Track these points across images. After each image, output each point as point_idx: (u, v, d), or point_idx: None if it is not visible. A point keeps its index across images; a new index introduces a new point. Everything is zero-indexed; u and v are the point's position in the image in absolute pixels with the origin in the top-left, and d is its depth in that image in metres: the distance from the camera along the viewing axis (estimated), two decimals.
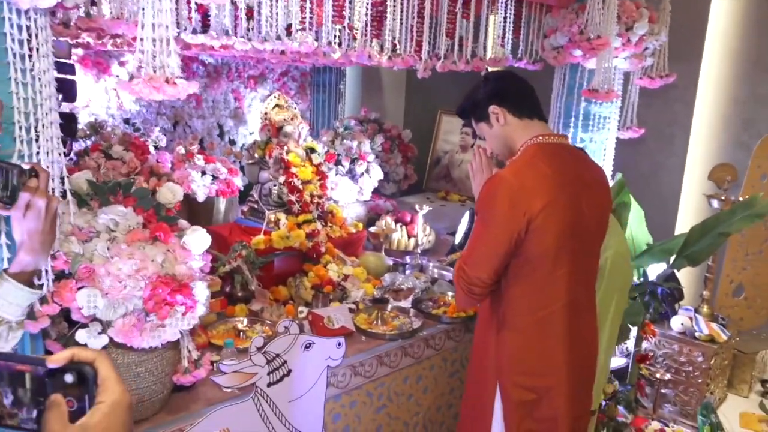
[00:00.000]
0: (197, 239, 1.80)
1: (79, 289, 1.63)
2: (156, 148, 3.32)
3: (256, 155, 3.08)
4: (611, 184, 3.44)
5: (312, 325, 2.49)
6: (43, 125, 1.50)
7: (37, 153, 1.51)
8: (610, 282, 2.26)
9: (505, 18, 3.09)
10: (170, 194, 1.86)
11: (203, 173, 3.39)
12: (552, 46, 3.29)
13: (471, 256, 1.82)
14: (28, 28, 1.44)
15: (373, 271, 3.11)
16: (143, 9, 1.51)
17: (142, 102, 3.88)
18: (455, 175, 5.06)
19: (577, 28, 3.03)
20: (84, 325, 1.69)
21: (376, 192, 4.14)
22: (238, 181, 3.52)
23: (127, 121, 3.83)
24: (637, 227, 3.29)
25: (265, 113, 3.04)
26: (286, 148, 2.96)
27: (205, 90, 4.19)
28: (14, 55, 1.42)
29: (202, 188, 3.27)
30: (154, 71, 1.51)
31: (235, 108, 4.39)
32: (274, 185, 3.00)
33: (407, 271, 3.17)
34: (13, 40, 1.41)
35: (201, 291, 1.83)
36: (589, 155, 2.03)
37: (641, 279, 3.24)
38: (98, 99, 3.68)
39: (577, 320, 1.90)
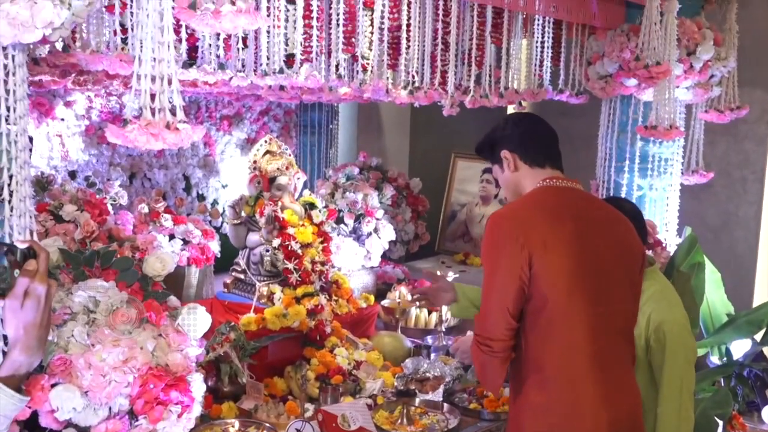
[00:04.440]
0: (196, 320, 1.82)
1: (52, 386, 1.63)
2: (114, 206, 3.35)
3: (243, 213, 3.13)
4: (679, 240, 3.54)
5: (323, 427, 2.48)
6: (17, 182, 1.54)
7: (10, 216, 1.54)
8: (673, 359, 2.34)
9: (542, 42, 3.23)
10: (159, 264, 1.90)
11: (171, 237, 3.42)
12: (598, 75, 3.43)
13: (484, 308, 2.05)
14: (5, 66, 1.50)
15: (389, 355, 3.12)
16: (141, 42, 1.58)
17: (91, 151, 3.94)
18: (476, 233, 5.14)
19: (630, 54, 3.17)
20: None
21: (383, 256, 4.18)
22: (215, 246, 3.55)
23: (72, 174, 3.88)
24: (714, 293, 3.36)
25: (255, 162, 3.11)
26: (280, 203, 3.01)
27: None
28: None
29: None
30: (153, 115, 1.57)
31: (205, 155, 4.47)
32: (267, 250, 3.04)
33: (432, 355, 3.18)
34: None
35: (198, 386, 1.84)
36: (601, 199, 2.25)
37: (724, 359, 3.28)
38: (39, 147, 3.73)
39: (607, 375, 2.03)
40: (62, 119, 3.81)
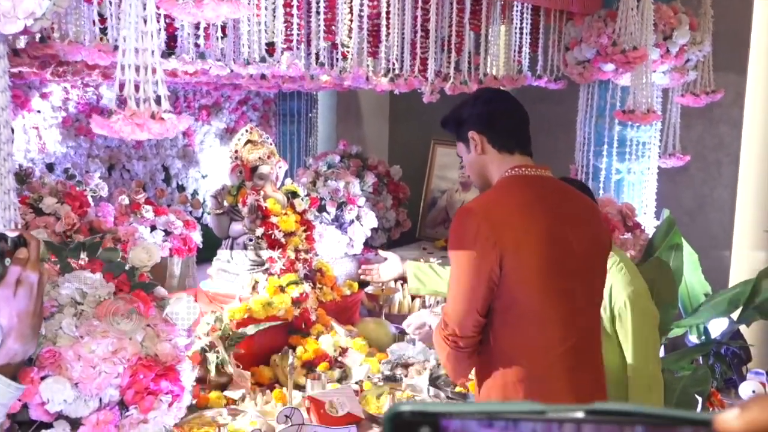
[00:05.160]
0: (184, 310, 1.82)
1: (42, 378, 1.63)
2: (94, 198, 3.33)
3: (225, 203, 3.12)
4: (657, 222, 3.59)
5: (311, 414, 2.50)
6: (1, 175, 1.53)
7: None
8: (637, 326, 2.42)
9: (521, 28, 3.25)
10: (145, 255, 1.90)
11: (153, 228, 3.40)
12: (576, 61, 3.46)
13: (451, 305, 1.96)
14: None
15: (374, 341, 3.14)
16: (124, 31, 1.57)
17: (69, 143, 3.90)
18: None
19: (607, 39, 3.20)
20: (46, 425, 1.68)
21: (365, 244, 4.19)
22: (197, 237, 3.54)
23: (50, 166, 3.84)
24: (691, 274, 3.41)
25: (236, 151, 3.10)
26: (262, 193, 3.01)
27: None
28: None
29: None
30: (137, 105, 1.57)
31: (184, 146, 4.44)
32: (250, 239, 3.03)
33: (416, 341, 3.20)
34: None
35: (188, 375, 1.84)
36: (574, 188, 2.18)
37: (702, 338, 3.34)
38: (16, 140, 3.69)
39: (579, 375, 1.99)
40: (38, 111, 3.77)
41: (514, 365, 1.96)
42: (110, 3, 2.03)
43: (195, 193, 4.49)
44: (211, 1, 1.67)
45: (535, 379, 1.96)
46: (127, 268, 1.89)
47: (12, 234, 1.21)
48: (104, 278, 1.82)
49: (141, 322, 1.78)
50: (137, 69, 1.58)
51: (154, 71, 1.60)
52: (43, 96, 3.76)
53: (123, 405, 1.73)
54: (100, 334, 1.69)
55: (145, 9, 1.59)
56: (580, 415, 0.41)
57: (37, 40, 1.87)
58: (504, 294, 1.90)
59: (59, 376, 1.64)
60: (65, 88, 3.86)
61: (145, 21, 1.58)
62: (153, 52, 1.60)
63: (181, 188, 4.44)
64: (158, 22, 2.12)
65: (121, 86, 1.59)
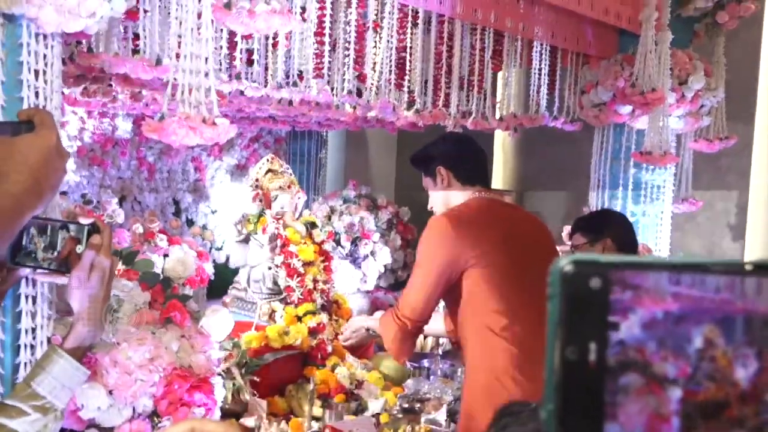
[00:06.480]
0: (219, 322, 1.80)
1: None
2: (110, 225, 3.32)
3: (245, 230, 3.11)
4: None
5: None
6: None
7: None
8: None
9: (539, 69, 3.31)
10: (180, 267, 1.89)
11: (166, 257, 3.39)
12: (592, 103, 3.51)
13: (413, 294, 2.21)
14: (45, 57, 1.50)
15: (389, 376, 3.10)
16: (180, 38, 1.59)
17: (83, 172, 3.91)
18: None
19: (624, 82, 3.26)
20: None
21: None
22: (209, 268, 3.52)
23: (64, 194, 3.83)
24: None
25: (256, 180, 3.11)
26: (282, 221, 3.01)
27: (160, 158, 4.26)
28: (29, 87, 1.47)
29: None
30: (190, 109, 1.58)
31: (195, 180, 4.45)
32: (269, 268, 3.02)
33: (431, 377, 3.17)
34: (29, 70, 1.46)
35: (220, 389, 1.81)
36: (522, 208, 2.45)
37: None
38: None
39: (527, 366, 2.13)
40: None
41: (477, 346, 2.20)
42: (147, 23, 2.05)
43: (204, 227, 4.48)
44: (263, 12, 1.70)
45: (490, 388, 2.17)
46: (162, 279, 1.87)
47: (86, 221, 1.21)
48: (140, 287, 1.80)
49: (177, 332, 1.75)
50: (191, 74, 1.60)
51: (207, 86, 1.62)
52: (61, 125, 3.79)
53: (156, 416, 1.70)
54: (137, 341, 1.67)
55: (200, 18, 1.62)
56: (748, 267, 0.41)
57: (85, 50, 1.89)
58: (467, 286, 2.14)
59: (95, 382, 1.61)
60: (82, 118, 3.89)
61: (200, 28, 1.61)
62: (206, 59, 1.62)
63: (191, 222, 4.43)
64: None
65: (173, 92, 1.61)
